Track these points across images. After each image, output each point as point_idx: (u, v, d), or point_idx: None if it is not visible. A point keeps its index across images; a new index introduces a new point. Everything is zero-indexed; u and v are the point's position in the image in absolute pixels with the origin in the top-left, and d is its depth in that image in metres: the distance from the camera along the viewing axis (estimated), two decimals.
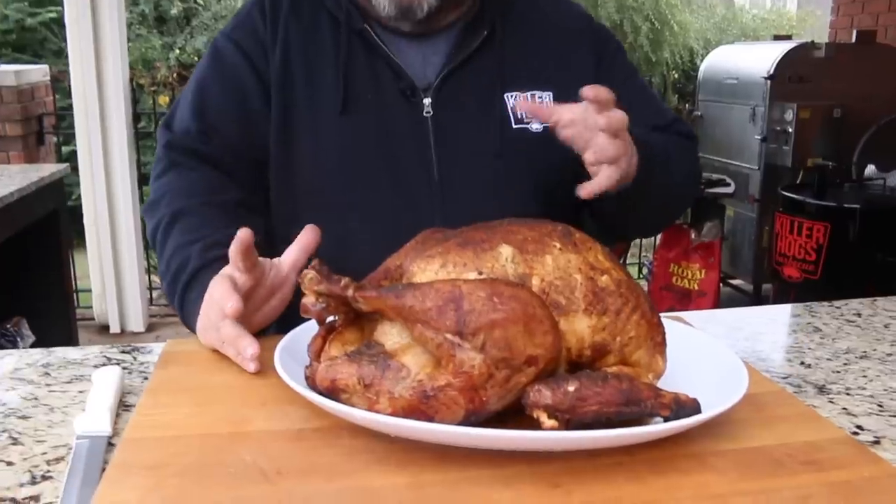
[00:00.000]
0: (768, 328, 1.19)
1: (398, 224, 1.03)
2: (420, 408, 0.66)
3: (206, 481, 0.65)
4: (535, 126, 1.16)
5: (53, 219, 2.92)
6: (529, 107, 1.11)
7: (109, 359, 0.99)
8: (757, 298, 4.15)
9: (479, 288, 0.65)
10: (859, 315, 1.23)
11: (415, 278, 0.72)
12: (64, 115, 4.38)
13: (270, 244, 1.26)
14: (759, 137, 4.03)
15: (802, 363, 1.03)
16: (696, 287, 3.84)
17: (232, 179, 1.14)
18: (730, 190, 4.06)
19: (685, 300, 3.84)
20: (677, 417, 0.69)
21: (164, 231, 1.08)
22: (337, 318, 0.75)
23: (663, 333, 0.76)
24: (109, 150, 3.75)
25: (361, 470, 0.67)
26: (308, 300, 0.72)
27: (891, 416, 0.86)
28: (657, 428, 0.66)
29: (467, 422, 0.67)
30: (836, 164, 3.67)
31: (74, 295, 4.05)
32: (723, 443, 0.73)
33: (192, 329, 0.98)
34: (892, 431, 0.82)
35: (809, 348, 1.08)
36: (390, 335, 0.71)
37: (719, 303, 3.93)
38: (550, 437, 0.65)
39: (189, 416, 0.76)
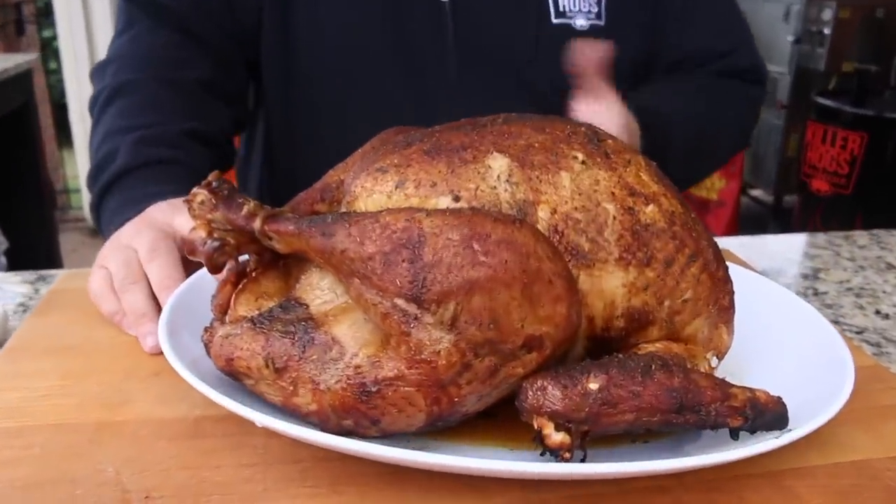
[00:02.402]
0: (829, 262, 0.96)
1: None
2: (357, 407, 0.43)
3: None
4: (581, 22, 0.90)
5: (24, 113, 2.66)
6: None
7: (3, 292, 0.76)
8: (778, 211, 3.92)
9: (451, 225, 0.40)
10: None
11: (357, 204, 0.47)
12: (46, 2, 4.04)
13: (250, 142, 1.01)
14: (791, 39, 3.70)
15: (878, 312, 0.81)
16: (716, 197, 3.59)
17: (202, 50, 0.87)
18: None
19: (702, 211, 3.60)
20: (754, 429, 0.45)
21: (101, 107, 0.83)
22: (249, 259, 0.51)
23: (731, 293, 0.51)
24: (94, 36, 3.44)
25: (276, 493, 0.44)
26: (196, 235, 0.47)
27: None
28: (721, 457, 0.42)
29: (431, 425, 0.44)
30: (876, 68, 3.36)
31: (65, 196, 3.84)
32: (807, 454, 0.49)
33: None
34: None
35: (885, 292, 0.87)
36: (319, 291, 0.47)
37: (739, 215, 3.70)
38: (555, 469, 0.41)
39: (48, 394, 0.54)
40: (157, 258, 0.62)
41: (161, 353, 0.58)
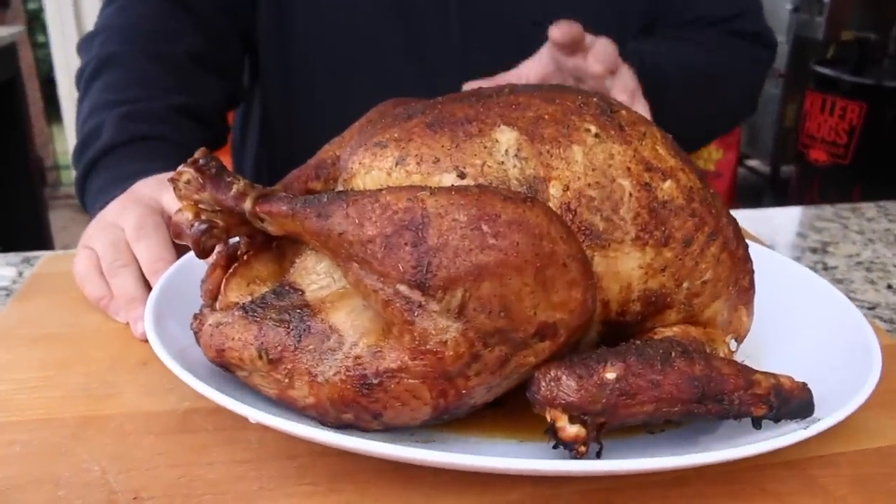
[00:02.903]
0: (837, 235, 0.93)
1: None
2: (358, 400, 0.40)
3: None
4: None
5: (11, 89, 2.59)
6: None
7: None
8: (775, 182, 3.90)
9: (457, 205, 0.37)
10: None
11: (354, 181, 0.44)
12: None
13: (246, 119, 0.98)
14: (789, 7, 3.65)
15: (890, 287, 0.79)
16: (713, 168, 3.55)
17: (193, 21, 0.83)
18: None
19: None
20: (778, 418, 0.42)
21: (88, 81, 0.79)
22: (240, 241, 0.48)
23: (751, 273, 0.48)
24: (81, 8, 3.36)
25: (271, 492, 0.42)
26: (181, 217, 0.44)
27: None
28: (746, 450, 0.39)
29: (437, 419, 0.41)
30: (876, 37, 3.31)
31: (55, 172, 3.77)
32: (829, 442, 0.47)
33: None
34: None
35: (895, 266, 0.85)
36: (314, 275, 0.44)
37: (736, 185, 3.67)
38: (570, 466, 0.39)
39: (30, 385, 0.51)
40: (145, 237, 0.58)
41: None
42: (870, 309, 0.74)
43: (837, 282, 0.80)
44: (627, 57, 0.72)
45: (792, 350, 0.51)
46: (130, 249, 0.59)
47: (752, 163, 4.27)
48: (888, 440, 0.48)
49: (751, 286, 0.48)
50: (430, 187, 0.38)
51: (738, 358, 0.49)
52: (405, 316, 0.37)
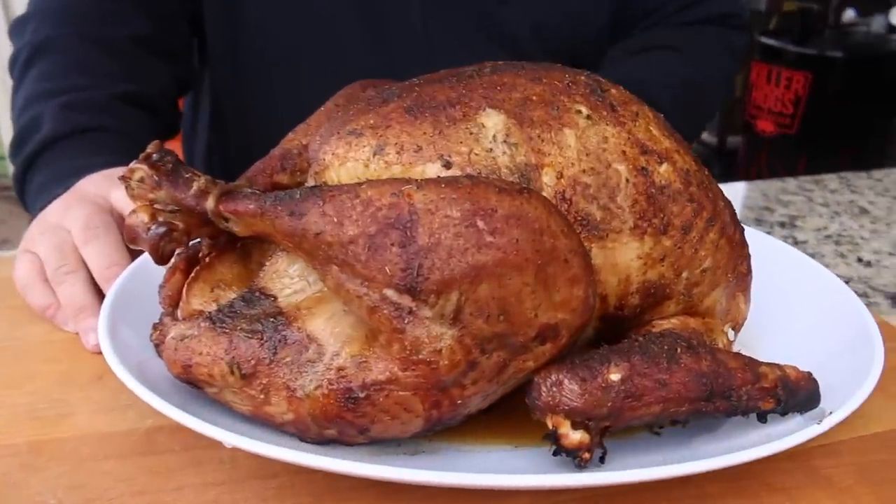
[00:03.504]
0: (803, 209, 0.93)
1: (334, 92, 0.72)
2: (342, 415, 0.36)
3: None
4: None
5: None
6: None
7: None
8: (722, 153, 3.97)
9: (448, 199, 0.34)
10: None
11: (327, 174, 0.40)
12: None
13: (196, 104, 0.92)
14: None
15: (860, 260, 0.80)
16: None
17: (134, 1, 0.76)
18: None
19: None
20: (786, 412, 0.40)
21: (22, 69, 0.73)
22: (202, 242, 0.43)
23: (749, 258, 0.46)
24: None
25: None
26: (136, 219, 0.40)
27: None
28: (756, 452, 0.37)
29: (429, 430, 0.38)
30: (818, 7, 3.37)
31: None
32: (831, 430, 0.45)
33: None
34: None
35: (863, 238, 0.85)
36: (287, 279, 0.40)
37: None
38: (573, 478, 0.36)
39: None
40: (95, 239, 0.53)
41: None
42: (844, 283, 0.74)
43: (809, 256, 0.80)
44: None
45: (788, 336, 0.49)
46: (78, 253, 0.54)
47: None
48: (885, 425, 0.47)
49: (748, 271, 0.45)
50: (416, 180, 0.35)
51: (735, 347, 0.47)
52: (394, 323, 0.34)
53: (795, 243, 0.84)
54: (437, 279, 0.33)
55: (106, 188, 0.57)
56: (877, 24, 3.27)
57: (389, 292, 0.34)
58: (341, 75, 0.78)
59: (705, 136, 4.27)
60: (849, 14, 3.39)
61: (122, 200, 0.56)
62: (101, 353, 0.49)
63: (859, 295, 0.70)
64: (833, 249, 0.82)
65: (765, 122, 3.19)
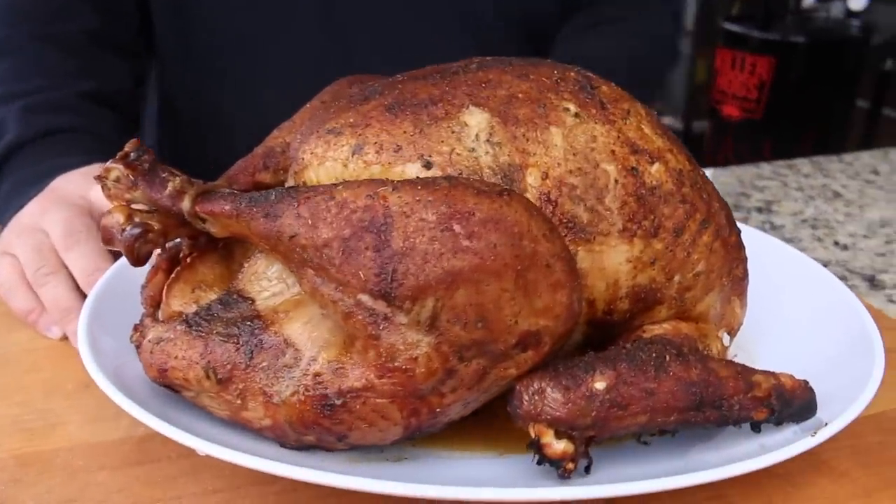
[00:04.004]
0: (778, 193, 0.93)
1: (315, 77, 0.69)
2: (319, 422, 0.35)
3: None
4: None
5: None
6: None
7: None
8: (688, 138, 3.98)
9: (424, 202, 0.32)
10: (877, 173, 1.00)
11: (306, 174, 0.39)
12: None
13: (163, 98, 0.87)
14: None
15: (837, 244, 0.80)
16: None
17: None
18: None
19: None
20: (780, 422, 0.39)
21: None
22: (181, 242, 0.42)
23: (745, 261, 0.44)
24: None
25: None
26: (111, 220, 0.39)
27: None
28: (747, 465, 0.36)
29: (409, 438, 0.37)
30: None
31: None
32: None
33: None
34: None
35: (838, 221, 0.85)
36: (265, 281, 0.39)
37: None
38: (557, 492, 0.35)
39: None
40: (77, 245, 0.52)
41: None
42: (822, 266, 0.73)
43: (787, 241, 0.79)
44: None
45: (787, 341, 0.47)
46: (57, 255, 0.53)
47: (665, 119, 4.33)
48: (879, 406, 0.45)
49: (745, 275, 0.44)
50: (392, 181, 0.34)
51: (730, 351, 0.45)
52: (369, 329, 0.33)
53: (773, 228, 0.83)
54: (411, 285, 0.32)
55: (84, 187, 0.56)
56: (836, 9, 3.26)
57: (364, 297, 0.33)
58: (297, 64, 0.76)
59: (671, 121, 4.26)
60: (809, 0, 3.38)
61: (102, 199, 0.55)
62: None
63: (839, 278, 0.69)
64: (810, 233, 0.82)
65: (730, 107, 3.18)
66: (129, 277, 0.49)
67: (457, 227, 0.32)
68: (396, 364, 0.33)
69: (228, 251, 0.43)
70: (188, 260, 0.43)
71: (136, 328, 0.43)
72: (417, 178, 0.35)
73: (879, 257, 0.77)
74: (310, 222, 0.34)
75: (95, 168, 0.58)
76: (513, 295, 0.33)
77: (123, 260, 0.51)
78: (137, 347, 0.42)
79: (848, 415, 0.38)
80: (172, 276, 0.43)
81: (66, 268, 0.52)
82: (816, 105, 2.86)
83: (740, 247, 0.44)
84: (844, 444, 0.43)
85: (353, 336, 0.34)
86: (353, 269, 0.32)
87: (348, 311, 0.33)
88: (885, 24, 3.03)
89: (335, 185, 0.35)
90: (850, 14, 2.94)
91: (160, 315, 0.42)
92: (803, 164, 1.04)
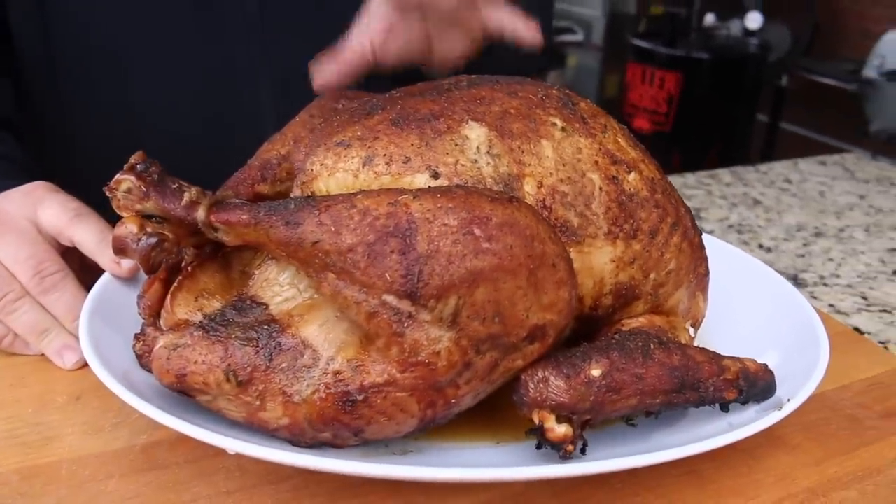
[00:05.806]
0: (705, 201, 1.02)
1: (194, 83, 0.67)
2: (339, 418, 0.38)
3: None
4: None
5: None
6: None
7: None
8: None
9: (445, 209, 0.35)
10: (790, 181, 1.10)
11: (316, 184, 0.41)
12: None
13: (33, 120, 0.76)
14: None
15: (761, 246, 0.88)
16: None
17: None
18: (579, 38, 3.90)
19: None
20: (746, 401, 0.44)
21: None
22: (185, 252, 0.44)
23: (706, 260, 0.49)
24: None
25: None
26: (125, 230, 0.40)
27: (881, 310, 0.72)
28: (735, 435, 0.40)
29: (421, 430, 0.40)
30: (684, 11, 3.58)
31: None
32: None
33: None
34: (894, 332, 0.68)
35: (760, 226, 0.94)
36: (277, 286, 0.41)
37: None
38: (563, 469, 0.38)
39: None
40: (54, 290, 0.51)
41: (81, 368, 0.50)
42: None
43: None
44: None
45: (742, 333, 0.52)
46: (15, 278, 0.51)
47: None
48: (822, 386, 0.50)
49: (706, 273, 0.49)
50: (412, 190, 0.36)
51: (694, 342, 0.50)
52: (393, 327, 0.35)
53: (704, 233, 0.90)
54: (436, 284, 0.34)
55: (31, 207, 0.53)
56: (735, 27, 3.46)
57: (389, 298, 0.35)
58: (172, 68, 0.71)
59: None
60: (709, 18, 3.58)
61: (52, 220, 0.52)
62: (79, 370, 0.49)
63: None
64: (737, 238, 0.89)
65: (641, 121, 3.31)
66: (119, 288, 0.50)
67: (477, 231, 0.35)
68: (419, 358, 0.36)
69: (227, 260, 0.45)
70: (189, 269, 0.44)
71: (138, 338, 0.43)
72: (430, 187, 0.38)
73: (800, 258, 0.84)
74: (333, 229, 0.36)
75: (38, 185, 0.55)
76: (525, 292, 0.36)
77: (105, 277, 0.51)
78: (142, 356, 0.43)
79: (804, 392, 0.43)
80: (174, 285, 0.44)
81: (28, 293, 0.51)
82: (721, 118, 3.01)
83: (702, 247, 0.49)
84: (795, 421, 0.49)
85: (373, 335, 0.37)
86: (379, 271, 0.35)
87: (372, 311, 0.36)
88: (776, 43, 3.23)
89: (353, 194, 0.37)
90: (748, 33, 3.12)
91: (162, 324, 0.43)
92: (724, 173, 1.13)
